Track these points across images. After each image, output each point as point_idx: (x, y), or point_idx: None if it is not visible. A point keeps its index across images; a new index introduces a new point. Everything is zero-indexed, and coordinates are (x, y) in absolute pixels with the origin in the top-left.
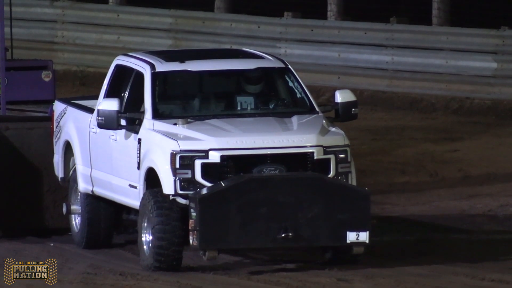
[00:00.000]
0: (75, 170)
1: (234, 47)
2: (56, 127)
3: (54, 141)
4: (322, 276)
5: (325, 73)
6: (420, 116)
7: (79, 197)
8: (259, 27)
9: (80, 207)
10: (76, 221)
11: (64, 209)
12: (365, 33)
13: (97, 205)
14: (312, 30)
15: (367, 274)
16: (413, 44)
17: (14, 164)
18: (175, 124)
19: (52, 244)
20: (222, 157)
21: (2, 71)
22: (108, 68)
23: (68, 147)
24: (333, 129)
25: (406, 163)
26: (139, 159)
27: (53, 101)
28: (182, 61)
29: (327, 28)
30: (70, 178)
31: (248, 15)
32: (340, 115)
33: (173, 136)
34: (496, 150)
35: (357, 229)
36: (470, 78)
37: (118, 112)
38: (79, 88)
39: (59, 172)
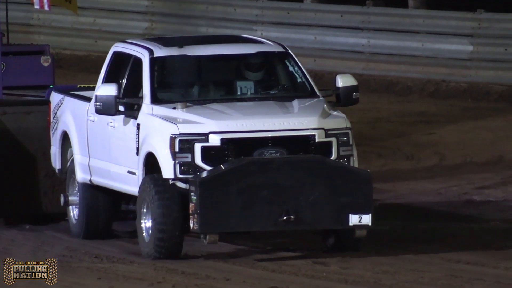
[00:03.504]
0: (72, 161)
1: (210, 29)
2: (53, 118)
3: (51, 132)
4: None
5: (301, 56)
6: (396, 99)
7: (77, 188)
8: (235, 9)
9: (78, 198)
10: (74, 212)
11: (62, 201)
12: (341, 16)
13: (96, 195)
14: (288, 13)
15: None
16: (389, 27)
17: (11, 149)
18: (174, 108)
19: (27, 227)
20: (222, 140)
21: None
22: (84, 51)
23: (65, 138)
24: (335, 113)
25: (383, 146)
26: (138, 145)
27: (51, 85)
28: (180, 46)
29: (304, 10)
30: (68, 169)
31: None
32: (341, 100)
33: (172, 120)
34: (472, 133)
35: (360, 211)
36: (446, 61)
37: (116, 97)
38: (56, 71)
39: (57, 163)
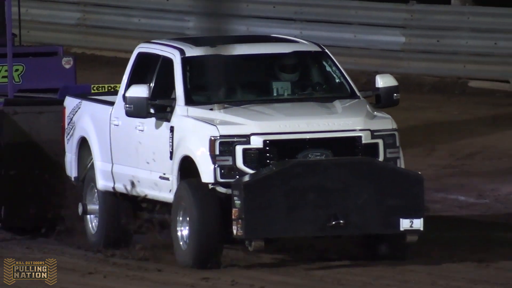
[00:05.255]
0: (91, 168)
1: (143, 20)
2: (68, 124)
3: (66, 139)
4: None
5: None
6: None
7: (96, 196)
8: (167, 0)
9: (97, 207)
10: (92, 222)
11: (80, 210)
12: (274, 7)
13: (116, 203)
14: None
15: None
16: (322, 18)
17: (22, 150)
18: (211, 109)
19: None
20: (265, 142)
21: (9, 53)
22: (16, 41)
23: (83, 144)
24: (379, 113)
25: None
26: (172, 148)
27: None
28: (213, 46)
29: (236, 1)
30: (86, 177)
31: None
32: (381, 101)
33: (211, 121)
34: (404, 124)
35: (411, 215)
36: (379, 52)
37: (148, 99)
38: None
39: (72, 171)
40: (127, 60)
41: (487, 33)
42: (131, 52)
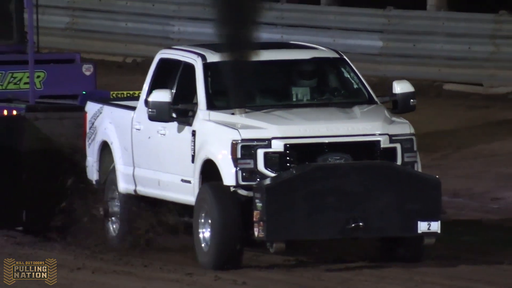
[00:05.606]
0: (113, 171)
1: (129, 24)
2: (89, 129)
3: (87, 143)
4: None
5: None
6: None
7: (117, 199)
8: (153, 5)
9: (118, 210)
10: (113, 225)
11: (102, 212)
12: None
13: (138, 206)
14: (204, 8)
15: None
16: (302, 23)
17: (43, 155)
18: (232, 113)
19: None
20: (285, 145)
21: (31, 60)
22: None
23: (104, 148)
24: (397, 119)
25: None
26: (194, 152)
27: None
28: (234, 52)
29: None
30: (107, 180)
31: None
32: (398, 107)
33: (233, 125)
34: None
35: (428, 218)
36: (357, 56)
37: (170, 103)
38: None
39: (94, 175)
40: (114, 62)
41: (461, 38)
42: (118, 55)
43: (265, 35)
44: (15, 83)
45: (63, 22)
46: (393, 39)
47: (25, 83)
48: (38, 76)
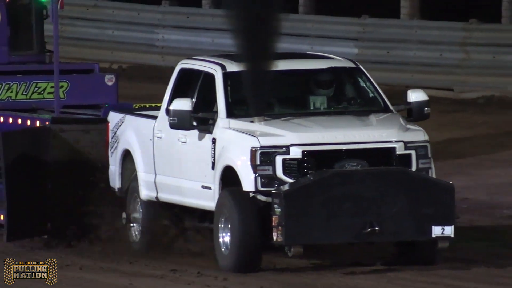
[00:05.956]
0: (135, 179)
1: (116, 32)
2: (112, 138)
3: (110, 152)
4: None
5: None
6: None
7: (139, 206)
8: (139, 14)
9: (140, 216)
10: (136, 231)
11: (124, 219)
12: None
13: (159, 212)
14: (187, 17)
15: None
16: (282, 31)
17: (68, 166)
18: (251, 121)
19: None
20: (303, 152)
21: (56, 74)
22: None
23: (126, 157)
24: (412, 126)
25: None
26: (214, 159)
27: (107, 104)
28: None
29: (203, 15)
30: (129, 187)
31: (129, 3)
32: (412, 115)
33: (252, 133)
34: None
35: (442, 223)
36: None
37: (191, 111)
38: None
39: (116, 182)
40: (101, 69)
41: (433, 45)
42: (105, 61)
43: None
44: (39, 93)
45: (50, 30)
46: (368, 46)
47: (49, 93)
48: (62, 86)
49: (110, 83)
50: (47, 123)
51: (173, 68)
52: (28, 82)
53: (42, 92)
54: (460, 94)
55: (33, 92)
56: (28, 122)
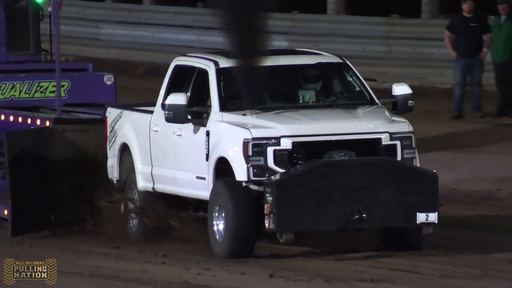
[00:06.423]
0: (132, 170)
1: (63, 27)
2: (110, 132)
3: (108, 145)
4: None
5: (140, 50)
6: None
7: (136, 196)
8: (84, 10)
9: (138, 206)
10: (133, 221)
11: (122, 209)
12: (175, 16)
13: (156, 202)
14: (129, 13)
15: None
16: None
17: (69, 164)
18: (243, 115)
19: None
20: (293, 143)
21: (57, 74)
22: None
23: (123, 150)
24: (397, 118)
25: None
26: (208, 151)
27: (105, 105)
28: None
29: (143, 11)
30: (127, 179)
31: (75, 0)
32: (397, 108)
33: (244, 125)
34: None
35: (427, 210)
36: None
37: (186, 106)
38: None
39: (114, 174)
40: None
41: (358, 39)
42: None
43: (182, 36)
44: (41, 92)
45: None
46: (297, 40)
47: (51, 92)
48: (63, 85)
49: (109, 83)
50: (47, 122)
51: (116, 60)
52: (31, 81)
53: (44, 91)
54: (382, 84)
55: (35, 91)
56: (29, 121)
